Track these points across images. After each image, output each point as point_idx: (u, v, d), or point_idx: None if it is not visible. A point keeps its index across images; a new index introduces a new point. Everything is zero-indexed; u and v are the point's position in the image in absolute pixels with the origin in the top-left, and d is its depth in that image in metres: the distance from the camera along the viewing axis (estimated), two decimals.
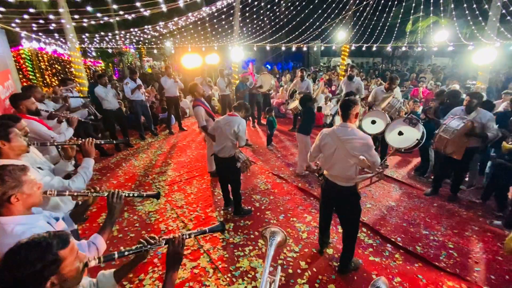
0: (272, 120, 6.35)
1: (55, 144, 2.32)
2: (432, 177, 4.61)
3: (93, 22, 6.69)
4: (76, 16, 6.35)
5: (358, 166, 2.48)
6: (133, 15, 6.22)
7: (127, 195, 1.70)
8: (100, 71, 11.13)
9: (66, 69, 10.46)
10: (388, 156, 5.33)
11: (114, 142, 3.38)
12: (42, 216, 1.52)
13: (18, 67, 9.41)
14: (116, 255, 1.25)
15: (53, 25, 6.86)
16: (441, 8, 9.58)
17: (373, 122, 4.61)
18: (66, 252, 1.00)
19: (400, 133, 4.28)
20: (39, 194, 1.53)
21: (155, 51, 12.36)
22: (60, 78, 8.28)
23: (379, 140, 4.97)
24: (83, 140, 2.19)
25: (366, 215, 3.76)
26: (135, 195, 1.74)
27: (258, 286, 2.64)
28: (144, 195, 1.80)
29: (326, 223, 2.98)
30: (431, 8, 9.73)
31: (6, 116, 2.23)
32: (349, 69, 6.41)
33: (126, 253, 1.28)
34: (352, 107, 2.40)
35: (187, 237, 1.40)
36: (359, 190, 3.71)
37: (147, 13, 5.88)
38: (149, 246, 1.33)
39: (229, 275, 2.81)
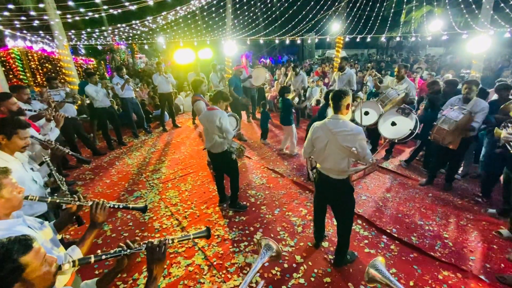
0: (267, 114, 6.28)
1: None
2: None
3: (77, 18, 6.51)
4: (59, 12, 6.15)
5: (351, 159, 2.45)
6: (119, 10, 6.07)
7: (112, 206, 1.64)
8: (92, 69, 10.94)
9: (58, 68, 10.25)
10: (380, 149, 5.30)
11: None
12: (22, 220, 1.46)
13: (8, 67, 9.22)
14: (93, 259, 1.20)
15: (37, 22, 6.66)
16: None
17: (366, 113, 4.56)
18: (29, 257, 0.94)
19: (393, 124, 4.25)
20: (20, 198, 1.47)
21: (146, 47, 12.13)
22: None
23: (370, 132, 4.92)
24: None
25: (361, 207, 3.74)
26: (121, 206, 1.68)
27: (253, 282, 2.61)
28: (130, 207, 1.73)
29: (321, 217, 2.96)
30: None
31: (17, 119, 2.17)
32: (339, 60, 6.36)
33: (104, 256, 1.22)
34: (343, 97, 2.35)
35: (170, 242, 1.33)
36: (353, 182, 3.66)
37: (133, 7, 5.73)
38: (128, 250, 1.27)
39: (224, 271, 2.79)
